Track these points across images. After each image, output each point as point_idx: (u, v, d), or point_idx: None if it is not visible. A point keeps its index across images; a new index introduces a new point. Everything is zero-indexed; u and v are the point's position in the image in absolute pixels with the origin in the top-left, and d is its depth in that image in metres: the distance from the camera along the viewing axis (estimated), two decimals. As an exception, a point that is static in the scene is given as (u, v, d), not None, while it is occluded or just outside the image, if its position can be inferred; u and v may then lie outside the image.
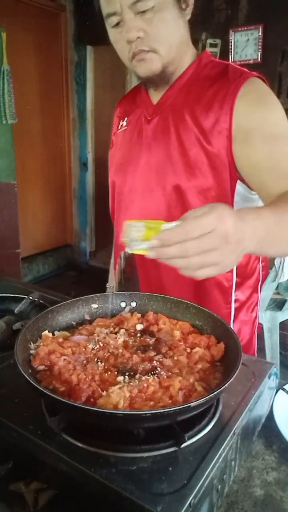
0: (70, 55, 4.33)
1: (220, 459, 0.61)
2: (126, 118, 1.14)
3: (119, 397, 0.63)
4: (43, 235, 4.49)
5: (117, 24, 0.93)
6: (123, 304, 0.95)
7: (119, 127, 1.16)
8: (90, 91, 4.45)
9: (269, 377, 0.80)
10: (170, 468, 0.59)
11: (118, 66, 4.91)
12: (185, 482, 0.56)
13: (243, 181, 0.96)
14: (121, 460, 0.60)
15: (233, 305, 1.08)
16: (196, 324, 0.87)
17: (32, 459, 0.65)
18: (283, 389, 0.88)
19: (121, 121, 1.16)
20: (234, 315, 1.10)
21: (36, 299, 1.12)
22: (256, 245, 0.65)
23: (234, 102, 0.91)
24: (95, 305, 0.93)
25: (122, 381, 0.68)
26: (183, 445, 0.61)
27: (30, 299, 1.12)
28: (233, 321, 1.10)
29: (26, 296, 1.13)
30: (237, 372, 0.64)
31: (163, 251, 0.58)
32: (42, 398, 0.70)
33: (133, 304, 0.94)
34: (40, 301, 1.11)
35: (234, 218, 0.58)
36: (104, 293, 0.95)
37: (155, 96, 1.05)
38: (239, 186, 0.97)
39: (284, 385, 0.89)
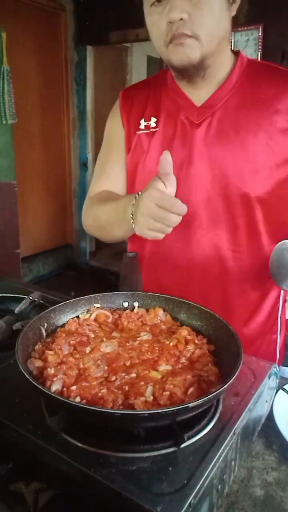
0: (70, 55, 4.34)
1: (220, 459, 0.61)
2: (153, 119, 1.01)
3: None
4: (43, 235, 4.49)
5: (158, 1, 0.85)
6: (125, 304, 0.95)
7: (143, 127, 1.02)
8: (90, 91, 4.45)
9: (269, 377, 0.80)
10: (170, 468, 0.59)
11: (118, 66, 4.93)
12: (185, 482, 0.56)
13: None
14: (121, 460, 0.60)
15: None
16: (198, 325, 0.87)
17: (32, 459, 0.65)
18: (283, 389, 0.88)
19: (143, 119, 1.02)
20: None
21: (36, 299, 1.12)
22: None
23: None
24: (97, 305, 0.93)
25: None
26: (183, 445, 0.61)
27: (30, 299, 1.12)
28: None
29: (26, 296, 1.13)
30: (237, 372, 0.64)
31: None
32: (42, 398, 0.70)
33: (136, 304, 0.94)
34: (40, 301, 1.11)
35: None
36: (106, 293, 0.95)
37: (195, 95, 0.96)
38: None
39: (284, 385, 0.89)
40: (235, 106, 0.93)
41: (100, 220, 1.06)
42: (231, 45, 3.15)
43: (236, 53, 0.98)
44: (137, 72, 5.19)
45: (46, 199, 4.46)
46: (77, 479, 0.59)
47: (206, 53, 0.87)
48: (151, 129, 1.01)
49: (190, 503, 0.53)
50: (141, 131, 1.02)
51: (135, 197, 0.86)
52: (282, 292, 1.05)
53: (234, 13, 0.90)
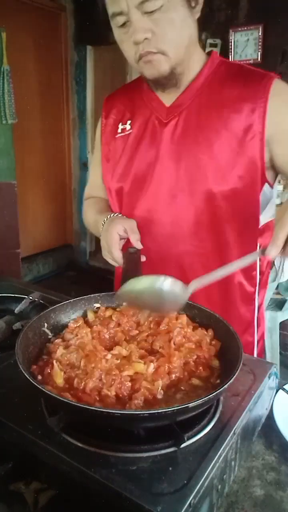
0: (70, 55, 4.34)
1: (220, 459, 0.61)
2: (129, 121, 1.06)
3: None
4: (43, 235, 4.49)
5: (123, 24, 0.89)
6: (125, 304, 0.95)
7: (119, 131, 1.08)
8: (90, 91, 4.45)
9: (269, 377, 0.80)
10: (170, 468, 0.59)
11: (118, 66, 4.92)
12: (185, 482, 0.56)
13: (268, 182, 0.97)
14: (121, 460, 0.60)
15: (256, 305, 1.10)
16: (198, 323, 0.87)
17: (32, 459, 0.65)
18: (283, 389, 0.88)
19: (121, 123, 1.08)
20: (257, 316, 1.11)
21: (36, 299, 1.12)
22: None
23: (267, 104, 0.90)
24: (97, 304, 0.93)
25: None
26: (183, 445, 0.61)
27: (30, 299, 1.12)
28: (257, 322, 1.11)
29: (26, 296, 1.13)
30: (237, 373, 0.64)
31: None
32: (42, 398, 0.70)
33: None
34: (40, 301, 1.12)
35: None
36: (106, 293, 0.95)
37: (166, 97, 1.00)
38: (264, 187, 0.97)
39: (284, 385, 0.89)
40: (201, 105, 0.97)
41: (89, 226, 1.22)
42: (231, 45, 3.17)
43: (210, 54, 1.01)
44: (137, 72, 5.19)
45: (46, 199, 4.46)
46: (77, 479, 0.59)
47: (175, 63, 0.92)
48: (126, 132, 1.07)
49: (190, 503, 0.53)
50: (119, 135, 1.08)
51: (104, 220, 1.03)
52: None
53: (198, 14, 0.92)
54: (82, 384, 0.67)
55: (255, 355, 1.12)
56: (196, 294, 0.78)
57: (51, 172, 4.45)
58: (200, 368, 0.74)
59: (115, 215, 1.05)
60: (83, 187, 4.76)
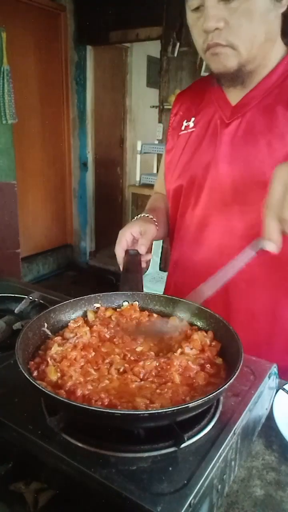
0: (70, 55, 4.34)
1: (220, 459, 0.61)
2: (193, 118, 1.01)
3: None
4: (43, 235, 4.50)
5: (197, 8, 0.81)
6: (125, 304, 0.95)
7: (183, 128, 1.03)
8: (90, 91, 4.46)
9: (269, 377, 0.80)
10: (170, 468, 0.59)
11: (118, 66, 4.93)
12: (185, 482, 0.56)
13: None
14: (121, 460, 0.60)
15: None
16: (197, 324, 0.87)
17: (32, 459, 0.65)
18: (283, 389, 0.88)
19: (185, 120, 1.03)
20: None
21: (36, 299, 1.12)
22: None
23: None
24: (97, 304, 0.93)
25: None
26: (183, 445, 0.61)
27: (30, 299, 1.12)
28: None
29: (26, 296, 1.13)
30: (237, 373, 0.64)
31: None
32: (42, 398, 0.70)
33: (136, 303, 0.94)
34: (40, 301, 1.11)
35: None
36: (106, 293, 0.95)
37: (233, 95, 0.94)
38: None
39: (284, 385, 0.89)
40: (269, 106, 0.89)
41: None
42: None
43: None
44: (137, 72, 5.19)
45: (46, 199, 4.46)
46: (77, 479, 0.59)
47: (245, 60, 0.84)
48: (189, 130, 1.02)
49: (190, 503, 0.53)
50: (182, 132, 1.04)
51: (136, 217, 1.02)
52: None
53: (284, 8, 0.82)
54: (72, 387, 0.67)
55: None
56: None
57: (51, 172, 4.45)
58: (208, 365, 0.74)
59: (143, 216, 1.04)
60: (83, 186, 4.78)
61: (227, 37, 0.80)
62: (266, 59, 0.88)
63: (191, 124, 1.02)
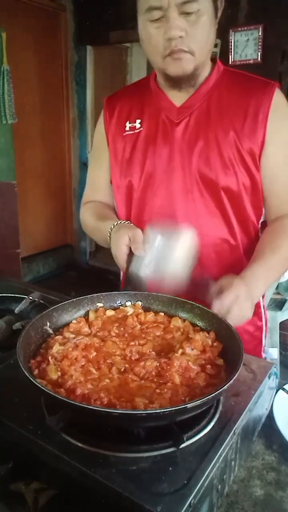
0: (70, 55, 4.33)
1: (220, 459, 0.61)
2: (138, 120, 1.11)
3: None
4: (43, 235, 4.49)
5: (157, 19, 0.93)
6: (128, 304, 0.95)
7: (127, 128, 1.12)
8: (90, 91, 4.45)
9: (269, 377, 0.80)
10: (170, 468, 0.59)
11: (118, 66, 4.93)
12: (185, 482, 0.56)
13: None
14: (121, 460, 0.60)
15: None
16: (199, 324, 0.87)
17: (32, 459, 0.65)
18: (283, 389, 0.88)
19: (128, 122, 1.12)
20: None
21: (36, 299, 1.12)
22: (260, 295, 1.00)
23: (268, 116, 0.99)
24: (100, 304, 0.93)
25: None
26: (182, 445, 0.61)
27: (30, 299, 1.12)
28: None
29: (26, 296, 1.13)
30: (237, 373, 0.64)
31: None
32: (42, 398, 0.70)
33: (139, 303, 0.95)
34: (40, 301, 1.12)
35: (245, 293, 0.86)
36: (109, 292, 0.95)
37: (176, 98, 1.05)
38: None
39: (284, 385, 0.89)
40: (211, 107, 1.04)
41: (89, 231, 1.25)
42: (231, 45, 3.17)
43: (213, 60, 1.08)
44: (137, 72, 5.19)
45: (46, 199, 4.46)
46: (77, 479, 0.59)
47: (198, 64, 0.98)
48: (136, 130, 1.11)
49: (190, 503, 0.53)
50: (127, 132, 1.12)
51: (111, 228, 1.05)
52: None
53: (216, 25, 1.00)
54: (72, 386, 0.67)
55: (263, 344, 1.17)
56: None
57: (51, 172, 4.45)
58: (208, 366, 0.74)
59: (121, 222, 1.07)
60: (83, 187, 4.74)
61: (188, 44, 0.93)
62: (206, 65, 1.04)
63: (138, 125, 1.11)
